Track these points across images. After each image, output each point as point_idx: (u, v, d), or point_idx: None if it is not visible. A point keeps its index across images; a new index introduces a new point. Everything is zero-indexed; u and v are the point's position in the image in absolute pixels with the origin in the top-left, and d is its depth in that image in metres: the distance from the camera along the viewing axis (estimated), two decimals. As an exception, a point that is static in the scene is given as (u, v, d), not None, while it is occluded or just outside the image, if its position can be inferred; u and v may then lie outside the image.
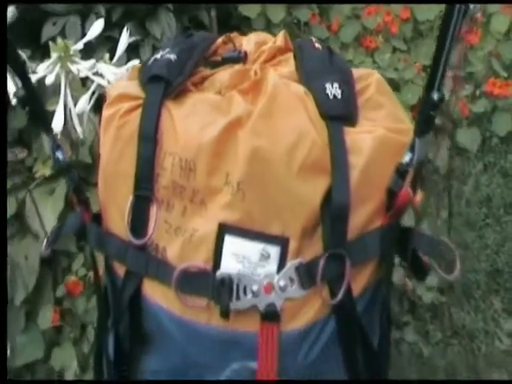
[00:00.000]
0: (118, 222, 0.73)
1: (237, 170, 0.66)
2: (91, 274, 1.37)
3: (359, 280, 0.73)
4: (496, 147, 1.97)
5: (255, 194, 0.66)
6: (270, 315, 0.69)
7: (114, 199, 0.74)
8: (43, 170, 1.44)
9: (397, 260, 0.83)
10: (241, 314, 0.69)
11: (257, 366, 0.70)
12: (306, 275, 0.68)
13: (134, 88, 0.74)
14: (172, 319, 0.72)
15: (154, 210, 0.70)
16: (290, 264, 0.68)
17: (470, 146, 1.88)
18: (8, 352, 1.37)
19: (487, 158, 1.93)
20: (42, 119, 0.75)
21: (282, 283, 0.68)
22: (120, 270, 0.75)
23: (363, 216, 0.69)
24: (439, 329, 1.49)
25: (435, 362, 1.42)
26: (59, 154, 0.75)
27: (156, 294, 0.73)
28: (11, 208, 1.42)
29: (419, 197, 1.37)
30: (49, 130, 0.76)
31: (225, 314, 0.67)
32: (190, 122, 0.68)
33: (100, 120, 0.75)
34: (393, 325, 1.45)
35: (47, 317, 1.33)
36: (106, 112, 0.73)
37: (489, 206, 1.77)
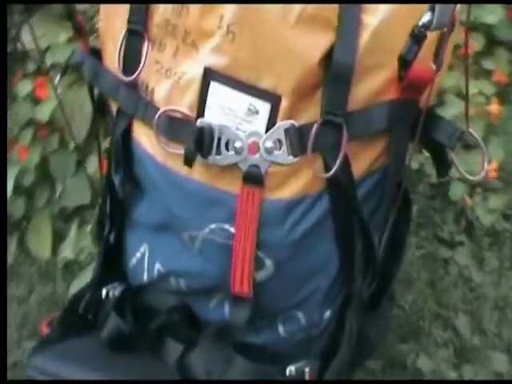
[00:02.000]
0: (113, 57, 0.70)
1: (229, 12, 0.60)
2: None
3: (362, 159, 0.66)
4: None
5: (245, 37, 0.60)
6: (253, 178, 0.65)
7: (110, 33, 0.71)
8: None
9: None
10: (222, 172, 0.65)
11: (234, 229, 0.66)
12: (297, 140, 0.63)
13: None
14: (155, 166, 0.69)
15: (145, 48, 0.66)
16: (280, 124, 0.62)
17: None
18: (57, 194, 1.43)
19: None
20: None
21: (268, 144, 0.63)
22: (114, 106, 0.73)
23: (371, 86, 0.62)
24: (497, 257, 1.38)
25: (485, 292, 1.34)
26: None
27: (142, 137, 0.70)
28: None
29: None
30: None
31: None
32: None
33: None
34: (442, 241, 1.37)
35: (96, 164, 1.36)
36: None
37: None
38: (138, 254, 0.78)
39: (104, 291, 0.76)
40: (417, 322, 1.29)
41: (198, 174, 0.66)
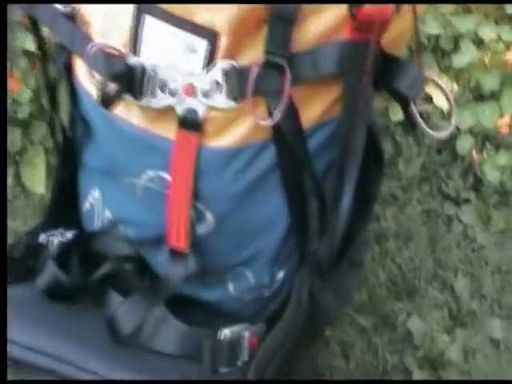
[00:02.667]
0: None
1: None
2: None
3: (312, 107, 0.60)
4: None
5: None
6: (189, 122, 0.60)
7: None
8: None
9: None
10: (159, 116, 0.61)
11: (169, 177, 0.62)
12: (237, 83, 0.57)
13: None
14: (94, 106, 0.65)
15: None
16: (219, 64, 0.57)
17: None
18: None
19: None
20: None
21: (205, 86, 0.57)
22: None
23: (319, 24, 0.56)
24: (504, 217, 1.30)
25: (488, 254, 1.26)
26: None
27: (81, 73, 0.65)
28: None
29: None
30: None
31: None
32: None
33: None
34: (448, 198, 1.29)
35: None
36: None
37: None
38: (91, 199, 0.75)
39: (43, 237, 0.72)
40: (413, 281, 1.23)
41: (135, 117, 0.62)
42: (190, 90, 0.58)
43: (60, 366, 0.63)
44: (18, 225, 1.48)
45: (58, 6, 0.63)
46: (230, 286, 0.70)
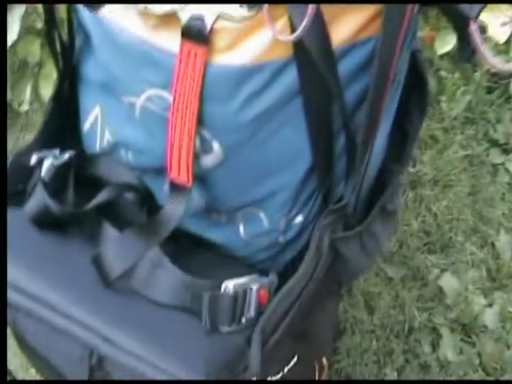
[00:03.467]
0: None
1: None
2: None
3: (344, 22, 0.51)
4: None
5: None
6: (195, 33, 0.51)
7: None
8: None
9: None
10: (161, 24, 0.53)
11: (171, 97, 0.54)
12: None
13: None
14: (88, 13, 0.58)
15: None
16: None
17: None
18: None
19: None
20: None
21: None
22: None
23: None
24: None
25: None
26: None
27: None
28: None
29: None
30: None
31: None
32: None
33: None
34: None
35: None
36: None
37: None
38: (92, 118, 0.68)
39: (34, 157, 0.65)
40: (448, 233, 1.15)
41: (134, 25, 0.54)
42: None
43: (38, 309, 0.57)
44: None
45: None
46: (241, 228, 0.63)
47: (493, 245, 1.15)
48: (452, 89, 1.22)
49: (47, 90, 1.44)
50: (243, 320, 0.57)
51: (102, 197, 0.63)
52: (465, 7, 0.49)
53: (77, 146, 0.70)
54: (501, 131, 1.22)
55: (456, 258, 1.14)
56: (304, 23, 0.46)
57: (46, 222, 0.63)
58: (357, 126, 0.56)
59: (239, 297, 0.56)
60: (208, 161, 0.57)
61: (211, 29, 0.50)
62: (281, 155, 0.57)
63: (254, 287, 0.57)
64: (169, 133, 0.55)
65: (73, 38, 0.66)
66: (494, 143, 1.23)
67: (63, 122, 0.71)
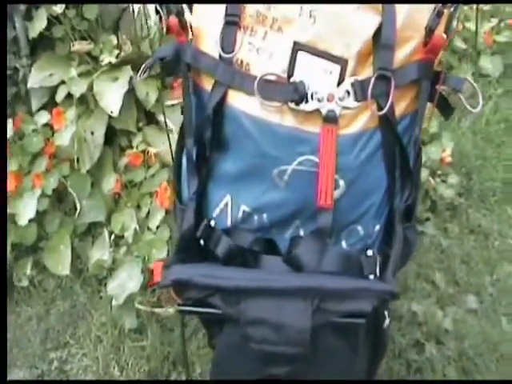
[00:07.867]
0: (208, 44, 0.99)
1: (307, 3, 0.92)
2: (150, 149, 1.66)
3: (401, 102, 0.99)
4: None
5: (323, 19, 0.92)
6: (331, 119, 0.94)
7: (206, 26, 1.00)
8: (109, 58, 1.71)
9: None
10: (307, 116, 0.95)
11: (318, 158, 0.96)
12: (360, 90, 0.94)
13: None
14: (251, 118, 0.94)
15: (240, 34, 0.96)
16: (348, 80, 0.95)
17: (492, 72, 2.20)
18: (77, 213, 1.67)
19: (508, 84, 2.23)
20: None
21: (340, 94, 0.95)
22: (207, 84, 1.01)
23: (406, 50, 0.95)
24: (457, 225, 1.76)
25: (453, 252, 1.70)
26: None
27: (238, 101, 0.97)
28: (80, 91, 1.71)
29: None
30: None
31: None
32: None
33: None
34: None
35: (110, 183, 1.62)
36: None
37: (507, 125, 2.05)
38: (222, 205, 1.04)
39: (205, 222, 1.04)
40: (405, 280, 1.63)
41: (287, 120, 0.95)
42: (331, 98, 0.95)
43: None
44: (41, 309, 1.68)
45: (222, 53, 0.98)
46: (343, 243, 1.03)
47: (433, 281, 1.66)
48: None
49: (54, 262, 1.67)
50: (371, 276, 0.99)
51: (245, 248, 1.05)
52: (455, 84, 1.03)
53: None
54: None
55: (413, 295, 1.61)
56: (388, 105, 0.96)
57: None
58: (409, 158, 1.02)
59: (374, 261, 0.99)
60: (336, 193, 0.99)
61: (339, 115, 0.96)
62: (373, 183, 1.01)
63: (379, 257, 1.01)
64: (319, 179, 0.97)
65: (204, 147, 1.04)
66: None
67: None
